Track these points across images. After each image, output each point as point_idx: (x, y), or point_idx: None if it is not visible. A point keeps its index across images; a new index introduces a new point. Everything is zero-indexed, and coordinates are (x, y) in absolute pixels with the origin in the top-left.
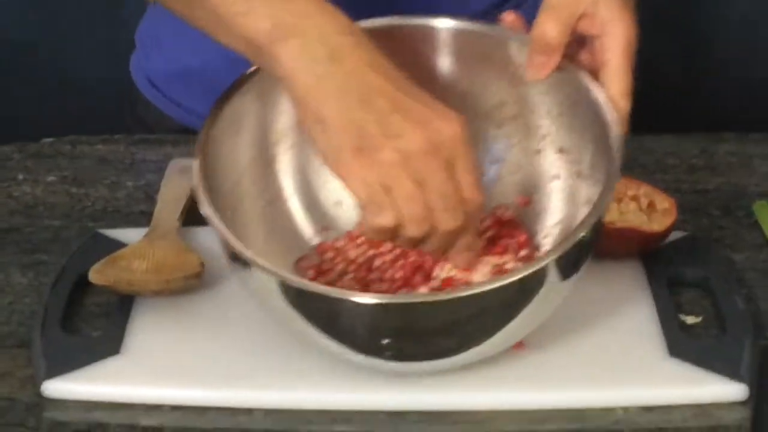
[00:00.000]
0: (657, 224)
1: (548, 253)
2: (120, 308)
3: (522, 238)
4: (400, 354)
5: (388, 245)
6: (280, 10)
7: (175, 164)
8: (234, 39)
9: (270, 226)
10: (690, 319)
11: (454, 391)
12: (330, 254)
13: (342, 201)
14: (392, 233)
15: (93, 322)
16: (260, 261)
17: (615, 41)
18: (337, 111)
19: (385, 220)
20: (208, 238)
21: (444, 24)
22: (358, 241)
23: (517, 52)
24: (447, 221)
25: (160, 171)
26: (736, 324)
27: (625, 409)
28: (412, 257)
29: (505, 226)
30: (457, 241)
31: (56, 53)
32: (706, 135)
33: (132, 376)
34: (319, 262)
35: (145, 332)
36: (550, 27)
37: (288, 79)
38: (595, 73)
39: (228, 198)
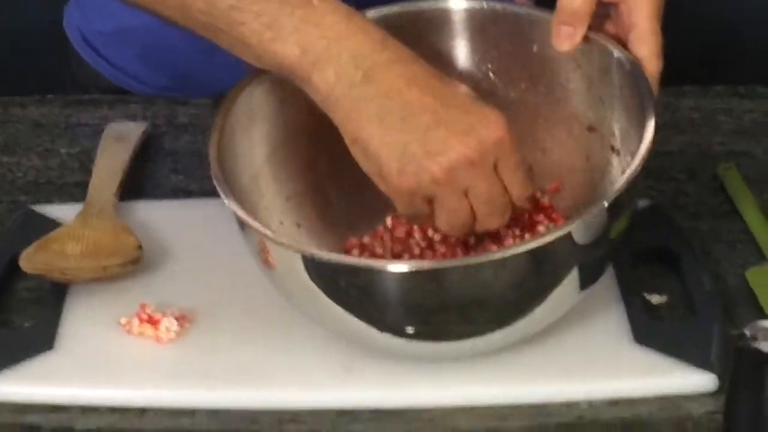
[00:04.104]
0: None
1: (580, 214)
2: (53, 295)
3: (560, 222)
4: (427, 332)
5: (414, 239)
6: (309, 34)
7: (111, 130)
8: (265, 65)
9: (292, 220)
10: (655, 299)
11: (411, 388)
12: (356, 251)
13: (366, 201)
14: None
15: (24, 311)
16: (282, 238)
17: (642, 3)
18: (376, 133)
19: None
20: (146, 214)
21: (462, 5)
22: (384, 238)
23: (540, 29)
24: (492, 223)
25: (96, 135)
26: (703, 306)
27: (590, 403)
28: (442, 250)
29: (541, 210)
30: None
31: None
32: (666, 89)
33: (66, 374)
34: None
35: (80, 323)
36: None
37: (326, 104)
38: (621, 42)
39: (247, 192)
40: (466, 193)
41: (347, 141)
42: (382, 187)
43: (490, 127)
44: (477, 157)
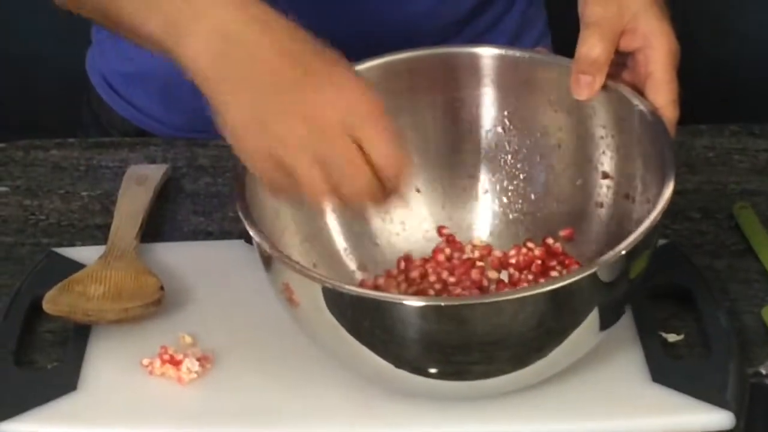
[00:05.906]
0: None
1: (598, 260)
2: (76, 336)
3: (573, 268)
4: (449, 371)
5: (428, 282)
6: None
7: (133, 172)
8: (143, 42)
9: (310, 260)
10: (672, 337)
11: (429, 428)
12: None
13: (378, 242)
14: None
15: (48, 352)
16: (307, 269)
17: (659, 52)
18: (236, 96)
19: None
20: (167, 256)
21: (482, 52)
22: (398, 279)
23: (558, 77)
24: (353, 195)
25: (117, 178)
26: (720, 344)
27: None
28: (458, 290)
29: (555, 256)
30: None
31: (8, 40)
32: (681, 128)
33: (90, 415)
34: None
35: (103, 364)
36: (594, 45)
37: (192, 69)
38: (638, 90)
39: (268, 231)
40: (321, 164)
41: (210, 101)
42: (236, 151)
43: (350, 92)
44: (327, 120)
